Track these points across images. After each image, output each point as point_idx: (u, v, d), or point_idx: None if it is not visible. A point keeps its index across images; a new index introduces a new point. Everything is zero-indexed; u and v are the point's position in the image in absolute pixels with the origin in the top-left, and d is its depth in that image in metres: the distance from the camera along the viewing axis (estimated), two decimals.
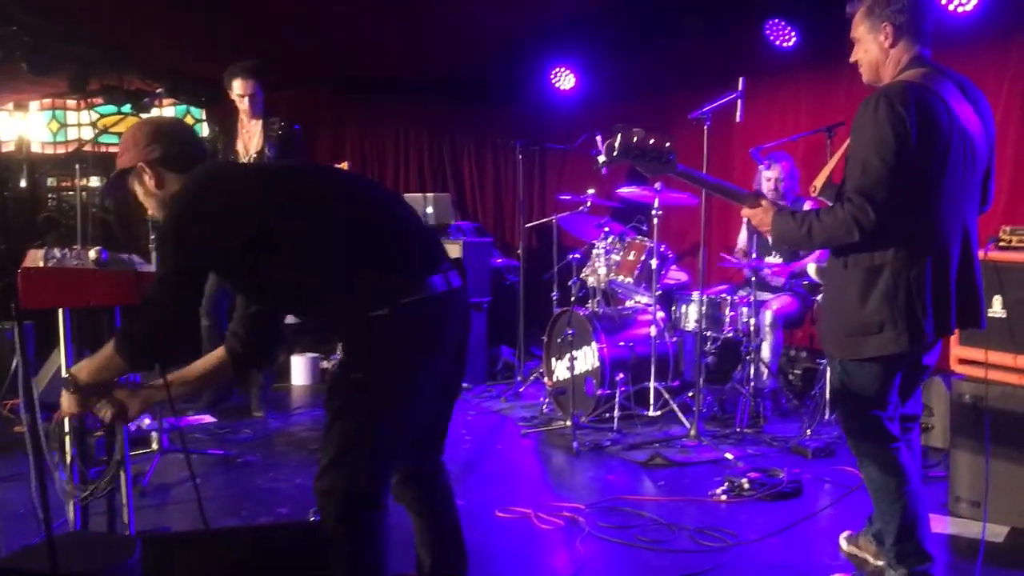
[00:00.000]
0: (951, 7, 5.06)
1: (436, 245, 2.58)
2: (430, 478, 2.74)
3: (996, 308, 3.56)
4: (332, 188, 2.53)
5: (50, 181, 8.95)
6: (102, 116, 8.23)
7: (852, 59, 2.91)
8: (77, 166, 4.91)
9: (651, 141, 2.71)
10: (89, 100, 8.00)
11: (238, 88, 5.24)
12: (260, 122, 5.34)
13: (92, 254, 2.86)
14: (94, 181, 8.54)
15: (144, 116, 8.50)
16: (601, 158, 2.73)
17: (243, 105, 5.27)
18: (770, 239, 5.55)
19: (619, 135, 2.69)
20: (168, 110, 8.79)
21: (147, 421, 4.91)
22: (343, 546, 2.36)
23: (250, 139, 5.36)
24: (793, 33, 6.02)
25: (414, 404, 2.42)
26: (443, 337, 2.45)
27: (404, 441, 2.46)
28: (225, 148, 5.37)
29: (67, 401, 2.52)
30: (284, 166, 2.65)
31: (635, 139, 2.70)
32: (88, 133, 8.70)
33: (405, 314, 2.34)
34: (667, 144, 2.74)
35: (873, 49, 2.82)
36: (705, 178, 2.98)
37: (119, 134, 8.54)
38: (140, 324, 2.37)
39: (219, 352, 2.68)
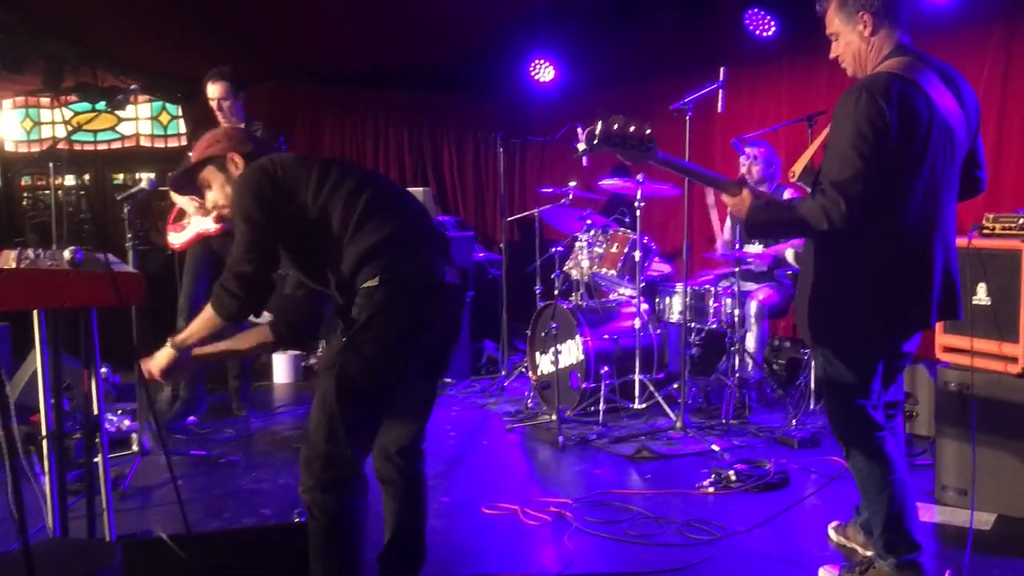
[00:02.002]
0: None
1: (443, 241, 2.77)
2: (411, 458, 2.85)
3: (980, 295, 3.56)
4: (354, 172, 2.73)
5: (24, 180, 8.83)
6: (76, 114, 8.12)
7: (832, 55, 2.89)
8: (51, 164, 4.81)
9: (631, 129, 2.69)
10: (63, 98, 7.89)
11: (209, 92, 5.18)
12: (241, 127, 5.28)
13: (67, 254, 2.79)
14: (69, 180, 8.44)
15: (119, 113, 8.43)
16: (581, 146, 2.72)
17: (218, 109, 5.22)
18: (742, 226, 5.59)
19: (599, 123, 2.67)
20: (143, 107, 8.70)
21: (127, 423, 4.85)
22: (322, 520, 2.46)
23: None
24: (772, 22, 6.00)
25: (388, 379, 2.56)
26: (427, 320, 2.60)
27: (377, 412, 2.60)
28: None
29: (163, 355, 2.81)
30: (316, 157, 2.86)
31: (615, 127, 2.68)
32: (61, 131, 8.58)
33: (394, 288, 2.52)
34: (647, 132, 2.72)
35: (854, 40, 2.79)
36: (686, 165, 2.96)
37: (94, 131, 8.51)
38: (234, 285, 2.59)
39: (262, 330, 2.95)
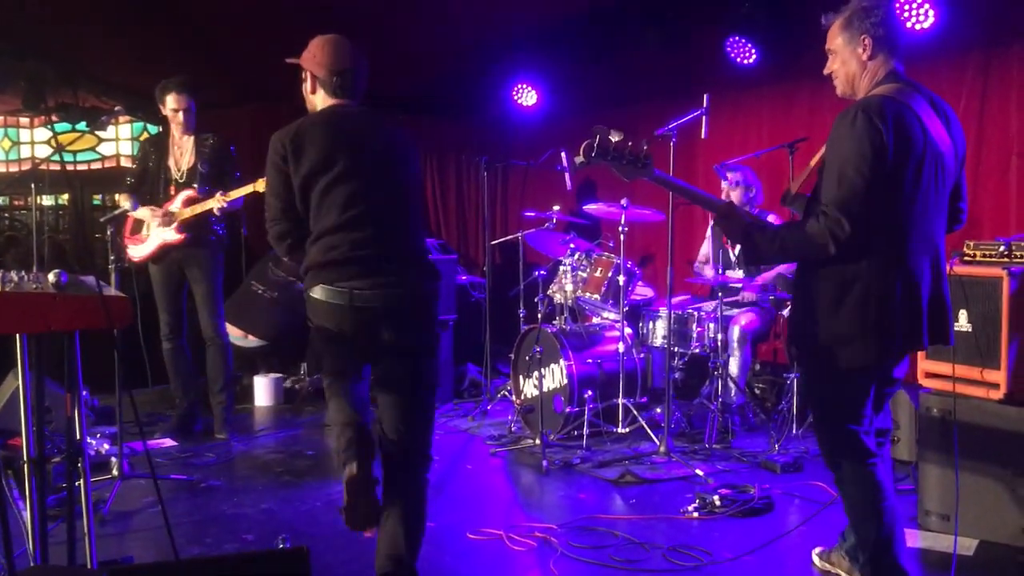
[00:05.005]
0: (909, 24, 5.12)
1: (383, 261, 2.95)
2: (402, 469, 3.05)
3: (962, 322, 3.60)
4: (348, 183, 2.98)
5: (2, 200, 8.76)
6: (56, 134, 8.08)
7: (826, 71, 2.92)
8: (33, 185, 4.78)
9: (629, 144, 2.73)
10: (43, 117, 7.85)
11: (172, 103, 5.16)
12: (192, 138, 5.26)
13: (51, 277, 2.77)
14: (47, 200, 8.37)
15: (99, 133, 8.38)
16: (579, 159, 2.73)
17: (177, 119, 5.20)
18: (735, 251, 5.63)
19: (597, 136, 2.69)
20: (124, 128, 8.66)
21: (107, 446, 4.79)
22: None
23: (181, 155, 5.27)
24: (754, 50, 6.07)
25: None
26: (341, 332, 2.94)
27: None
28: (156, 165, 5.27)
29: None
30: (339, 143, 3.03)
31: (613, 141, 2.70)
32: (41, 151, 8.53)
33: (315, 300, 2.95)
34: (644, 148, 2.75)
35: (851, 62, 2.83)
36: (680, 184, 2.98)
37: (73, 152, 8.46)
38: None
39: None
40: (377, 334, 2.93)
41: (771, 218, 5.09)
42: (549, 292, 5.66)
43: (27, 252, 7.08)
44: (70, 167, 8.49)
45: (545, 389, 5.31)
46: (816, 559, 3.38)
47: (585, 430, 5.05)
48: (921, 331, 2.73)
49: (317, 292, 2.93)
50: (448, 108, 8.35)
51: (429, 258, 3.13)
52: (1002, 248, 3.60)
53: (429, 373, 3.06)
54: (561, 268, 5.63)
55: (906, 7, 5.04)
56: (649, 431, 4.99)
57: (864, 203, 2.59)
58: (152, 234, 5.20)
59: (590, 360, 5.31)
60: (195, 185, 5.18)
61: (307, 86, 3.16)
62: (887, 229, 2.66)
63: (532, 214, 6.14)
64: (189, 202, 5.13)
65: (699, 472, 4.54)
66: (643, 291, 6.03)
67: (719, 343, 5.24)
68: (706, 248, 5.95)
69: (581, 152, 2.71)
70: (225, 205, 4.95)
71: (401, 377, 3.00)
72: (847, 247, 2.62)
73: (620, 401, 5.18)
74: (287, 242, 3.06)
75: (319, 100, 3.14)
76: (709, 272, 5.77)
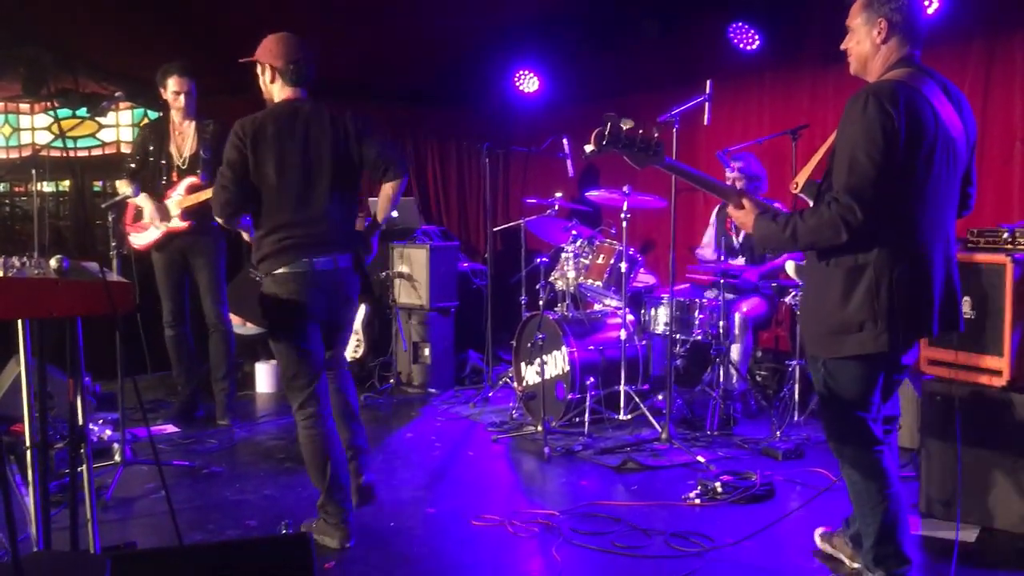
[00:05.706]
0: None
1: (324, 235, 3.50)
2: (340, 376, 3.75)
3: (964, 309, 3.59)
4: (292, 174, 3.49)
5: (2, 186, 8.73)
6: (57, 120, 8.04)
7: (843, 47, 2.91)
8: (33, 171, 4.77)
9: (640, 132, 2.72)
10: (44, 103, 7.82)
11: (174, 85, 5.14)
12: (193, 123, 5.24)
13: (53, 263, 2.76)
14: (48, 187, 8.34)
15: (100, 119, 8.36)
16: (589, 147, 2.72)
17: (178, 103, 5.17)
18: (739, 238, 5.62)
19: (609, 124, 2.68)
20: (124, 114, 8.63)
21: (108, 432, 4.80)
22: None
23: (183, 141, 5.24)
24: (757, 36, 6.04)
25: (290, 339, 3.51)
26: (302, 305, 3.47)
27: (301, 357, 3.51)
28: (156, 151, 5.23)
29: None
30: (289, 139, 3.50)
31: (625, 129, 2.69)
32: (42, 137, 8.50)
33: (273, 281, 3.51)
34: (655, 135, 2.74)
35: (865, 42, 2.82)
36: (691, 171, 2.97)
37: (74, 138, 8.43)
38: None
39: None
40: (336, 291, 3.56)
41: (777, 205, 5.08)
42: (551, 279, 5.66)
43: (5, 237, 7.07)
44: (71, 153, 8.46)
45: (547, 376, 5.31)
46: (818, 539, 3.38)
47: (587, 417, 5.06)
48: (932, 319, 2.72)
49: (280, 269, 3.46)
50: (449, 95, 8.31)
51: (356, 241, 3.72)
52: (1005, 235, 3.59)
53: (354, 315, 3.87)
54: (563, 255, 5.62)
55: None
56: (651, 418, 4.99)
57: (876, 189, 2.58)
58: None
59: (592, 347, 5.31)
60: (198, 171, 5.16)
61: (265, 77, 3.60)
62: (898, 215, 2.65)
63: (534, 201, 6.13)
64: (192, 189, 5.12)
65: (701, 459, 4.54)
66: (645, 278, 6.02)
67: (721, 330, 5.23)
68: (709, 234, 5.94)
69: (592, 140, 2.70)
70: None
71: (347, 320, 3.74)
72: (858, 234, 2.61)
73: (622, 388, 5.18)
74: (230, 209, 3.52)
75: (277, 89, 3.59)
76: (710, 254, 5.76)
